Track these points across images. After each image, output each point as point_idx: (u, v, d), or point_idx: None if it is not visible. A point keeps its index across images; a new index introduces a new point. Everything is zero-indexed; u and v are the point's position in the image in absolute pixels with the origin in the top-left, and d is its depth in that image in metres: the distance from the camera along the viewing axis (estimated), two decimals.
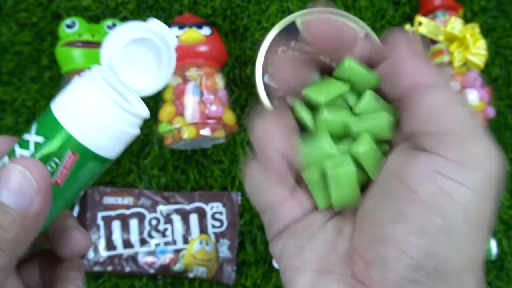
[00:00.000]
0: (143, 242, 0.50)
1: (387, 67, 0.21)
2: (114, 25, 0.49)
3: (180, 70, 0.46)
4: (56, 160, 0.21)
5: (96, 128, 0.21)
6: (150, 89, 0.23)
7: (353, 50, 0.22)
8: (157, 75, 0.23)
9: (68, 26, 0.48)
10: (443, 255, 0.19)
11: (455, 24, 0.48)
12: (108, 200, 0.51)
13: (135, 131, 0.22)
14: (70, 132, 0.20)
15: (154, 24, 0.22)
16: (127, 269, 0.50)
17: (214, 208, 0.51)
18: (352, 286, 0.21)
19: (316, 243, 0.22)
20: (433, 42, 0.50)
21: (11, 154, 0.22)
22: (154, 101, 0.53)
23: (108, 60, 0.22)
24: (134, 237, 0.50)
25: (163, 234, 0.50)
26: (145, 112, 0.22)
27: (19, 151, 0.21)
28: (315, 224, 0.23)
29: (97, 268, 0.49)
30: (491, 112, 0.48)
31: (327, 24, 0.22)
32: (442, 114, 0.19)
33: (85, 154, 0.21)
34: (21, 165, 0.19)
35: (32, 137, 0.21)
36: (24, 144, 0.21)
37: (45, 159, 0.21)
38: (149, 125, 0.52)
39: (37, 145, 0.21)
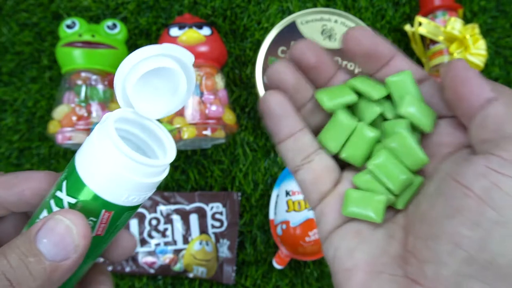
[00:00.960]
0: (143, 242, 0.50)
1: (450, 91, 0.22)
2: (114, 25, 0.49)
3: None
4: (93, 219, 0.21)
5: (122, 187, 0.21)
6: (174, 108, 0.23)
7: (389, 66, 0.24)
8: (178, 94, 0.22)
9: (68, 26, 0.48)
10: (496, 247, 0.19)
11: (455, 25, 0.48)
12: None
13: (162, 176, 0.22)
14: (98, 194, 0.21)
15: (164, 48, 0.21)
16: (127, 269, 0.50)
17: (214, 208, 0.51)
18: (405, 285, 0.21)
19: (367, 246, 0.23)
20: (433, 42, 0.50)
21: (49, 208, 0.22)
22: None
23: (122, 95, 0.21)
24: None
25: (163, 234, 0.50)
26: (170, 154, 0.22)
27: (55, 208, 0.21)
28: (366, 229, 0.24)
29: None
30: None
31: (368, 37, 0.24)
32: (500, 122, 0.21)
33: (118, 209, 0.21)
34: (69, 219, 0.20)
35: (64, 197, 0.21)
36: (59, 203, 0.21)
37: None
38: None
39: (71, 206, 0.21)
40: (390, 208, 0.25)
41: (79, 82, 0.47)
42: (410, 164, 0.23)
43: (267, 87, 0.49)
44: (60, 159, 0.52)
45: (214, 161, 0.52)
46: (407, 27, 0.52)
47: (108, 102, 0.48)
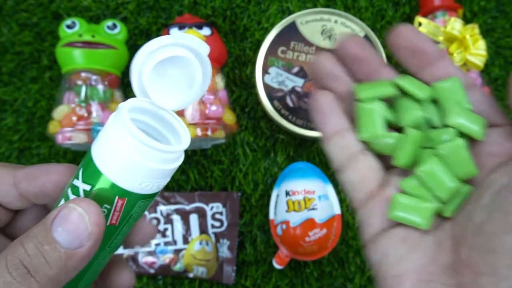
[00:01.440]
0: None
1: None
2: (114, 25, 0.49)
3: None
4: (107, 206, 0.21)
5: (136, 173, 0.21)
6: (189, 100, 0.23)
7: (435, 67, 0.24)
8: (194, 85, 0.22)
9: (69, 27, 0.48)
10: None
11: (454, 25, 0.48)
12: None
13: (176, 164, 0.22)
14: (112, 180, 0.21)
15: (180, 37, 0.21)
16: None
17: (214, 208, 0.51)
18: None
19: (416, 253, 0.23)
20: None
21: (66, 196, 0.22)
22: None
23: (138, 85, 0.21)
24: None
25: (163, 234, 0.50)
26: (184, 142, 0.22)
27: (71, 196, 0.22)
28: (414, 236, 0.24)
29: None
30: None
31: (414, 33, 0.24)
32: None
33: (131, 197, 0.21)
34: (82, 208, 0.20)
35: (80, 185, 0.21)
36: (75, 191, 0.22)
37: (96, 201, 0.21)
38: None
39: (86, 193, 0.21)
40: (436, 215, 0.24)
41: (79, 82, 0.47)
42: (459, 173, 0.23)
43: (267, 87, 0.49)
44: (60, 159, 0.52)
45: (214, 161, 0.52)
46: None
47: (108, 102, 0.48)
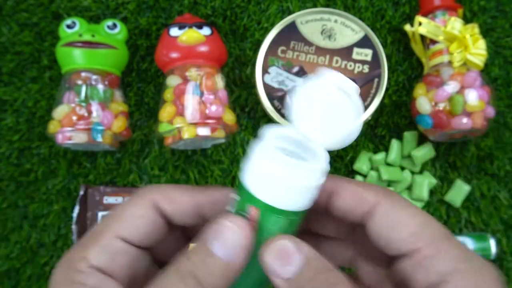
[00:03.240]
0: None
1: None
2: (114, 25, 0.49)
3: (180, 70, 0.47)
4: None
5: (273, 187, 0.23)
6: (338, 142, 0.25)
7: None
8: (344, 126, 0.24)
9: (69, 26, 0.48)
10: None
11: (454, 24, 0.48)
12: (109, 200, 0.51)
13: (315, 183, 0.24)
14: (251, 192, 0.24)
15: (334, 77, 0.24)
16: None
17: None
18: None
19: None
20: (433, 42, 0.50)
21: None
22: (154, 101, 0.53)
23: (295, 114, 0.24)
24: None
25: None
26: (323, 164, 0.24)
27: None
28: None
29: None
30: (490, 112, 0.48)
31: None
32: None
33: (266, 209, 0.24)
34: (236, 225, 0.23)
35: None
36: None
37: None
38: (149, 125, 0.52)
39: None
40: None
41: (79, 82, 0.47)
42: None
43: (267, 87, 0.49)
44: (60, 159, 0.52)
45: (214, 161, 0.52)
46: (407, 27, 0.52)
47: (108, 102, 0.48)
